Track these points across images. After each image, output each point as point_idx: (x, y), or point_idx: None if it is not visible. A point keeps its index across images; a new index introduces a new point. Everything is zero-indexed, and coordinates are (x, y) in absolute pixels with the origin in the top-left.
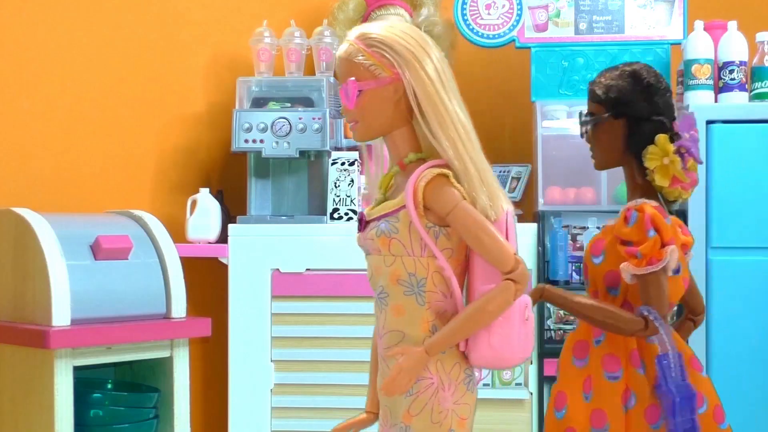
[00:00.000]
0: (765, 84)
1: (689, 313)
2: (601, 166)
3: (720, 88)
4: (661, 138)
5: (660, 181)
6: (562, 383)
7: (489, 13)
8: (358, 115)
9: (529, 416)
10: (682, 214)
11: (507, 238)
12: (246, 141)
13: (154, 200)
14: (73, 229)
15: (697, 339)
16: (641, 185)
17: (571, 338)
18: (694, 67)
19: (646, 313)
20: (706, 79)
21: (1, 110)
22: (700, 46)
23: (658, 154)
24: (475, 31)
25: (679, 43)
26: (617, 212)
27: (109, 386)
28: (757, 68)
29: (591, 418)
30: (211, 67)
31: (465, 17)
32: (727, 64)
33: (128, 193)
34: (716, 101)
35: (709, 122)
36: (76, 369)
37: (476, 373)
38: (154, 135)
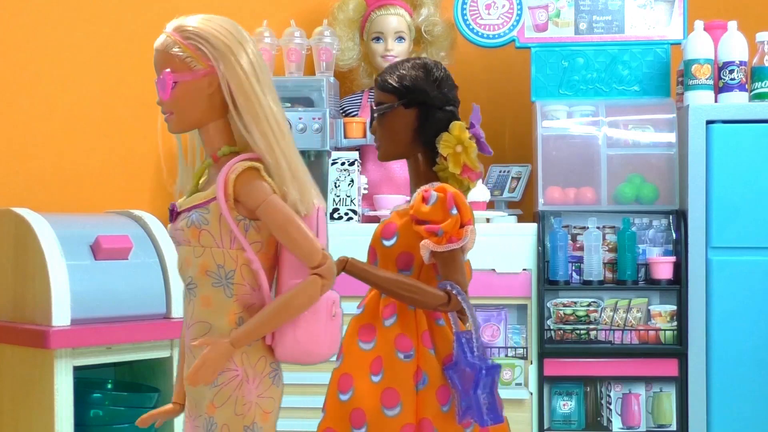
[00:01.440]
0: (765, 84)
1: None
2: (386, 156)
3: (720, 88)
4: (457, 125)
5: (453, 168)
6: (346, 366)
7: (489, 13)
8: (172, 106)
9: (529, 416)
10: (683, 214)
11: (317, 233)
12: None
13: (154, 200)
14: (73, 229)
15: (697, 338)
16: (425, 176)
17: (356, 321)
18: (694, 67)
19: (449, 288)
20: (706, 79)
21: (1, 110)
22: (700, 46)
23: (452, 141)
24: (475, 31)
25: (679, 43)
26: (617, 212)
27: (109, 386)
28: (757, 68)
29: (382, 398)
30: None
31: (465, 17)
32: (727, 64)
33: (128, 193)
34: (716, 101)
35: (709, 122)
36: (76, 369)
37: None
38: (154, 135)
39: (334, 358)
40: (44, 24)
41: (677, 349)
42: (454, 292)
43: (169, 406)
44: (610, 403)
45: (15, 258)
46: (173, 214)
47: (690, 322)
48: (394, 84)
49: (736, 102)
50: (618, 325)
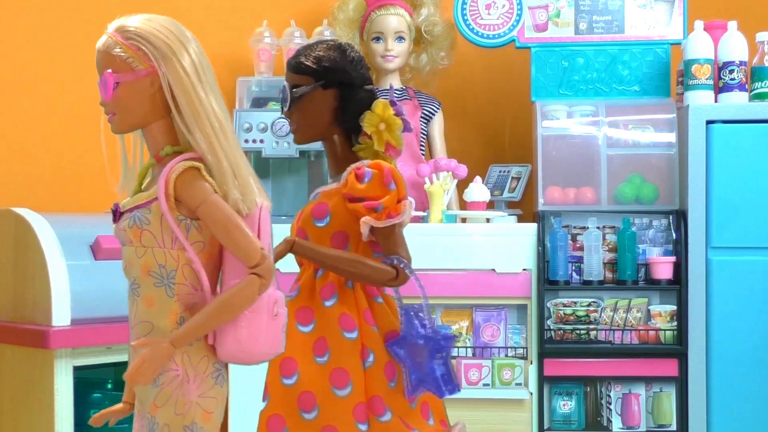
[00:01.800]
0: (765, 84)
1: None
2: (303, 139)
3: (720, 88)
4: (380, 103)
5: (377, 146)
6: (286, 349)
7: (489, 13)
8: (115, 107)
9: (529, 416)
10: (683, 214)
11: (259, 232)
12: (246, 141)
13: None
14: (73, 229)
15: (697, 338)
16: (345, 157)
17: (291, 305)
18: (694, 67)
19: (396, 262)
20: (706, 79)
21: (1, 110)
22: (700, 46)
23: (376, 119)
24: (475, 31)
25: (679, 43)
26: (617, 212)
27: (109, 386)
28: (757, 68)
29: (331, 378)
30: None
31: (465, 17)
32: (727, 64)
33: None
34: (716, 101)
35: (709, 122)
36: (76, 369)
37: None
38: None
39: None
40: (44, 24)
41: (677, 349)
42: (401, 266)
43: (120, 405)
44: (610, 403)
45: (15, 258)
46: (116, 214)
47: (690, 322)
48: (311, 65)
49: (736, 102)
50: (618, 325)
